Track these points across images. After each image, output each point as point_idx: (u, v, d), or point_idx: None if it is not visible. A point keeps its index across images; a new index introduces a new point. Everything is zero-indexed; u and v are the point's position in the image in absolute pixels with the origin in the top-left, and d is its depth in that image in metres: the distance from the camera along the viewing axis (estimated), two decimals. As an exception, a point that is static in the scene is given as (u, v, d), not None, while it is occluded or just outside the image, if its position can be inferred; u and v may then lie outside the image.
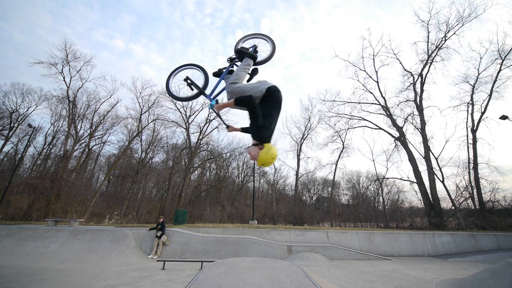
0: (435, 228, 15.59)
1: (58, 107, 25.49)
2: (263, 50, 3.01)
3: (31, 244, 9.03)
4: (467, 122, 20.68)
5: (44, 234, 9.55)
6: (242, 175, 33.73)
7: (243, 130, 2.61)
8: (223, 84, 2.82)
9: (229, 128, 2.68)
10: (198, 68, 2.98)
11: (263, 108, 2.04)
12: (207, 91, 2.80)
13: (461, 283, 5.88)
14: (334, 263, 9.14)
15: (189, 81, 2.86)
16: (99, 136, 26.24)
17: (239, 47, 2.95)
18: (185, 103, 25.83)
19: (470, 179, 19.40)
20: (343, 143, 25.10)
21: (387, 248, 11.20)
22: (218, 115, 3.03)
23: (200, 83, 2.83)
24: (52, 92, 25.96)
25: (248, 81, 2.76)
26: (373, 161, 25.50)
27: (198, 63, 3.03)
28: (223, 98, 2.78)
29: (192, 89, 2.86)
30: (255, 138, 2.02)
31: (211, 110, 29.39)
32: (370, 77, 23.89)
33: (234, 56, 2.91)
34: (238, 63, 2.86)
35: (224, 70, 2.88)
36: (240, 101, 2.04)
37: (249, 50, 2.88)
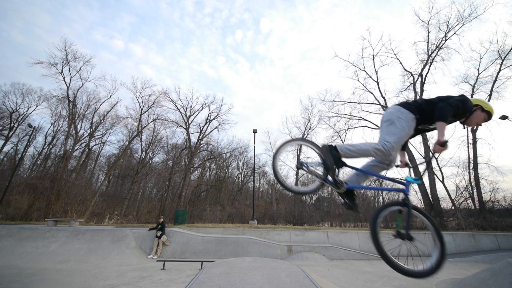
0: (435, 228, 15.57)
1: (58, 107, 25.57)
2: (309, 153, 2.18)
3: (31, 244, 9.02)
4: (467, 122, 20.67)
5: (44, 234, 9.54)
6: (242, 175, 33.77)
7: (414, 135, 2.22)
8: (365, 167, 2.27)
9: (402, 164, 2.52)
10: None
11: (430, 105, 2.07)
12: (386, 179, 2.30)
13: (461, 283, 5.88)
14: (334, 263, 9.14)
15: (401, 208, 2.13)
16: (99, 136, 26.30)
17: (277, 172, 1.98)
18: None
19: (470, 179, 19.42)
20: (343, 143, 25.10)
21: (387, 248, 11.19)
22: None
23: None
24: (52, 92, 25.99)
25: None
26: (373, 161, 25.46)
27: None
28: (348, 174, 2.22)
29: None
30: (468, 109, 2.07)
31: (211, 111, 28.88)
32: (370, 77, 23.89)
33: (327, 166, 2.02)
34: (327, 163, 2.05)
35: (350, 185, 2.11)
36: (448, 115, 1.93)
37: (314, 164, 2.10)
